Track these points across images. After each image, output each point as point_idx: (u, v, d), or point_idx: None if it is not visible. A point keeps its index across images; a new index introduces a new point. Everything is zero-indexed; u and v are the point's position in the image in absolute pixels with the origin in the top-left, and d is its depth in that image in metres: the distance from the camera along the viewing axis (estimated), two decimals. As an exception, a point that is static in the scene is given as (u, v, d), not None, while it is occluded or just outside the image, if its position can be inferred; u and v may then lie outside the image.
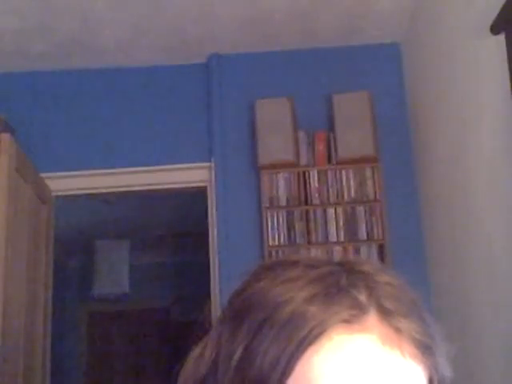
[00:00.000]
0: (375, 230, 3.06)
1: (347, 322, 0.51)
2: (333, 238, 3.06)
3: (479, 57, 2.31)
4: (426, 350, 0.53)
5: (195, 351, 0.60)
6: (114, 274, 6.17)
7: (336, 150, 3.14)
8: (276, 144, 3.13)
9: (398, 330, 0.52)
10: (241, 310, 0.55)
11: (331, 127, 3.20)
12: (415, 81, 3.25)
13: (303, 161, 3.18)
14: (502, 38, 2.03)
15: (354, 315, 0.52)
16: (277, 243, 3.07)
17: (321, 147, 3.19)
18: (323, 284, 0.54)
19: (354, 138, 3.09)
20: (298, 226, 3.09)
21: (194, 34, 3.25)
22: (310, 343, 0.50)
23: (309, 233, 3.08)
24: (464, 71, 2.49)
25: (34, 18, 3.03)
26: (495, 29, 2.05)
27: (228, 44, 3.37)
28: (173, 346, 6.74)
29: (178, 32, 3.23)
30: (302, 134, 3.22)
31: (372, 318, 0.52)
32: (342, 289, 0.53)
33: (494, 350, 2.21)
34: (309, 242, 3.07)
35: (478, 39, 2.28)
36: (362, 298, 0.53)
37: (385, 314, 0.53)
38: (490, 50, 2.17)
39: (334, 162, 3.16)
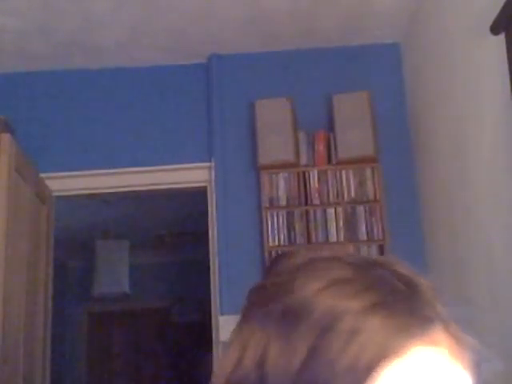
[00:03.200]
0: (375, 230, 3.06)
1: (417, 335, 0.48)
2: (333, 238, 3.06)
3: (479, 57, 2.31)
4: (478, 359, 0.52)
5: (231, 352, 0.53)
6: (114, 274, 6.16)
7: (336, 150, 3.14)
8: (276, 144, 3.13)
9: (458, 340, 0.51)
10: (293, 310, 0.50)
11: (331, 127, 3.20)
12: (415, 81, 3.25)
13: (303, 161, 3.18)
14: (501, 38, 2.04)
15: (423, 327, 0.49)
16: (277, 243, 3.07)
17: (321, 147, 3.19)
18: (380, 291, 0.50)
19: (354, 138, 3.09)
20: (298, 226, 3.09)
21: (194, 33, 3.25)
22: (384, 357, 0.47)
23: (309, 233, 3.08)
24: (464, 71, 2.49)
25: (34, 18, 3.03)
26: (495, 29, 2.05)
27: (228, 44, 3.37)
28: (172, 345, 6.75)
29: (178, 32, 3.23)
30: (302, 134, 3.22)
31: (438, 329, 0.50)
32: (400, 297, 0.50)
33: (496, 352, 2.21)
34: (309, 242, 3.07)
35: (477, 39, 2.28)
36: (424, 307, 0.51)
37: (444, 323, 0.51)
38: (489, 50, 2.17)
39: (334, 162, 3.16)
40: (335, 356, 0.46)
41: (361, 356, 0.46)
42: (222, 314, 3.08)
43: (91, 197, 3.78)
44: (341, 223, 3.08)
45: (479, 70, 2.31)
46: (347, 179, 3.12)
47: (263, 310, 0.52)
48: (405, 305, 0.50)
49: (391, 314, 0.49)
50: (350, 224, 3.08)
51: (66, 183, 3.38)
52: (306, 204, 3.12)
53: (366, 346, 0.47)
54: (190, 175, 3.39)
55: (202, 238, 3.60)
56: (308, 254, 0.57)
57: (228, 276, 3.15)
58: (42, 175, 3.24)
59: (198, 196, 3.51)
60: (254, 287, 0.57)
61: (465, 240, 2.57)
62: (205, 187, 3.39)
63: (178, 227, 5.91)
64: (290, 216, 3.11)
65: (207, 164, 3.34)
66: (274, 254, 3.06)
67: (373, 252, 3.04)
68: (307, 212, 3.11)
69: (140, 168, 3.37)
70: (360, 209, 3.09)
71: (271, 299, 0.52)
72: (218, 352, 3.10)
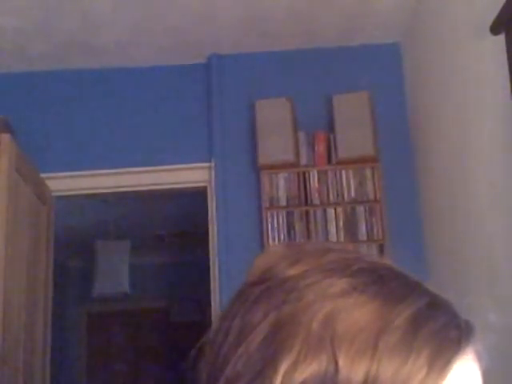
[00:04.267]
0: (375, 230, 3.06)
1: (469, 337, 0.50)
2: (333, 238, 3.06)
3: (479, 57, 2.31)
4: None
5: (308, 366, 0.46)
6: (114, 274, 6.15)
7: (336, 150, 3.14)
8: (276, 144, 3.13)
9: None
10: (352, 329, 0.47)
11: (331, 127, 3.20)
12: (415, 81, 3.25)
13: (303, 161, 3.18)
14: (501, 38, 2.03)
15: (471, 329, 0.50)
16: (277, 243, 3.07)
17: (321, 147, 3.19)
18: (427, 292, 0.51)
19: (354, 138, 3.09)
20: (298, 226, 3.09)
21: (193, 34, 3.25)
22: (448, 368, 0.46)
23: (309, 233, 3.08)
24: (464, 71, 2.49)
25: (34, 17, 3.03)
26: (495, 29, 2.05)
27: (228, 44, 3.37)
28: (172, 346, 6.74)
29: (178, 32, 3.23)
30: (302, 135, 3.21)
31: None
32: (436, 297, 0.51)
33: (495, 351, 2.21)
34: (309, 242, 3.07)
35: (478, 39, 2.28)
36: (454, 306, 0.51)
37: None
38: (490, 50, 2.17)
39: (334, 162, 3.16)
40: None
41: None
42: (222, 314, 3.07)
43: (91, 197, 3.78)
44: (341, 223, 3.08)
45: (479, 69, 2.31)
46: (347, 179, 3.12)
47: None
48: (446, 305, 0.51)
49: (445, 315, 0.50)
50: (350, 224, 3.08)
51: (65, 183, 3.38)
52: (306, 204, 3.12)
53: (437, 359, 0.47)
54: (190, 175, 3.39)
55: (201, 238, 3.60)
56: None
57: (228, 276, 3.15)
58: (42, 175, 3.24)
59: (198, 196, 3.51)
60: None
61: (465, 240, 2.57)
62: (205, 187, 3.38)
63: (178, 227, 5.90)
64: (289, 216, 3.11)
65: (207, 164, 3.34)
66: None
67: (373, 252, 3.04)
68: (307, 212, 3.11)
69: (140, 168, 3.37)
70: (360, 209, 3.09)
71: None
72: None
